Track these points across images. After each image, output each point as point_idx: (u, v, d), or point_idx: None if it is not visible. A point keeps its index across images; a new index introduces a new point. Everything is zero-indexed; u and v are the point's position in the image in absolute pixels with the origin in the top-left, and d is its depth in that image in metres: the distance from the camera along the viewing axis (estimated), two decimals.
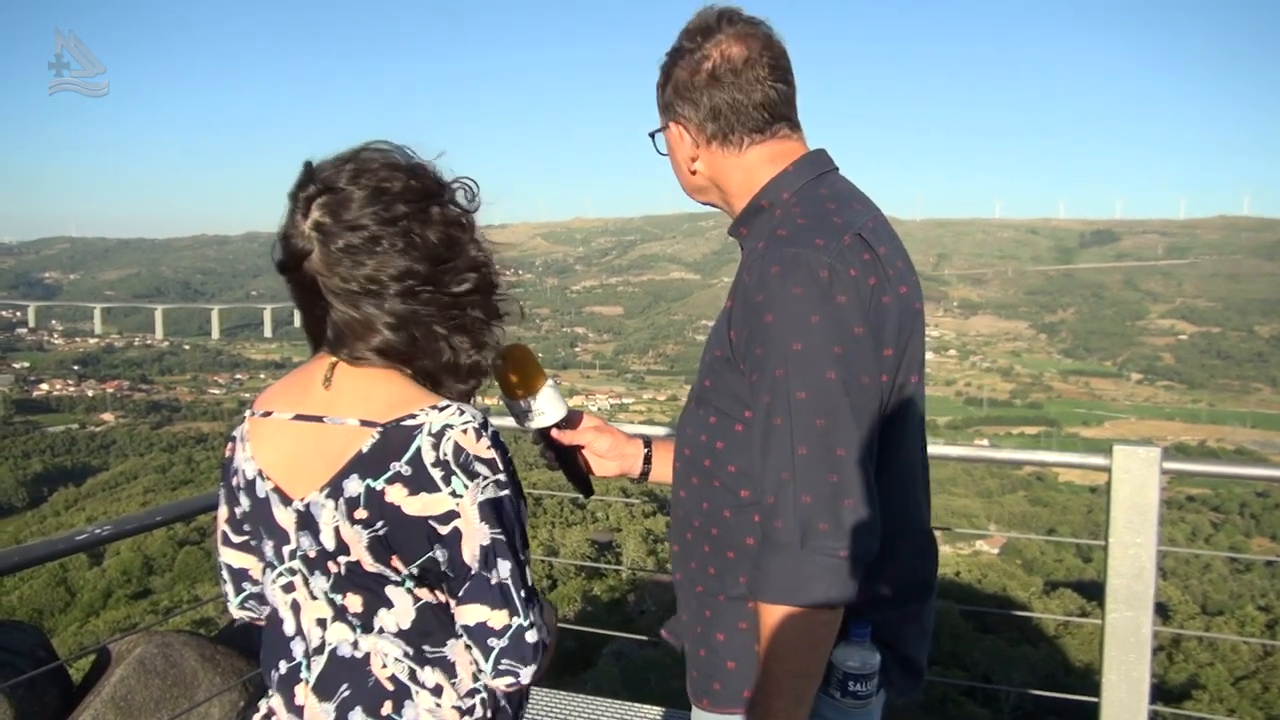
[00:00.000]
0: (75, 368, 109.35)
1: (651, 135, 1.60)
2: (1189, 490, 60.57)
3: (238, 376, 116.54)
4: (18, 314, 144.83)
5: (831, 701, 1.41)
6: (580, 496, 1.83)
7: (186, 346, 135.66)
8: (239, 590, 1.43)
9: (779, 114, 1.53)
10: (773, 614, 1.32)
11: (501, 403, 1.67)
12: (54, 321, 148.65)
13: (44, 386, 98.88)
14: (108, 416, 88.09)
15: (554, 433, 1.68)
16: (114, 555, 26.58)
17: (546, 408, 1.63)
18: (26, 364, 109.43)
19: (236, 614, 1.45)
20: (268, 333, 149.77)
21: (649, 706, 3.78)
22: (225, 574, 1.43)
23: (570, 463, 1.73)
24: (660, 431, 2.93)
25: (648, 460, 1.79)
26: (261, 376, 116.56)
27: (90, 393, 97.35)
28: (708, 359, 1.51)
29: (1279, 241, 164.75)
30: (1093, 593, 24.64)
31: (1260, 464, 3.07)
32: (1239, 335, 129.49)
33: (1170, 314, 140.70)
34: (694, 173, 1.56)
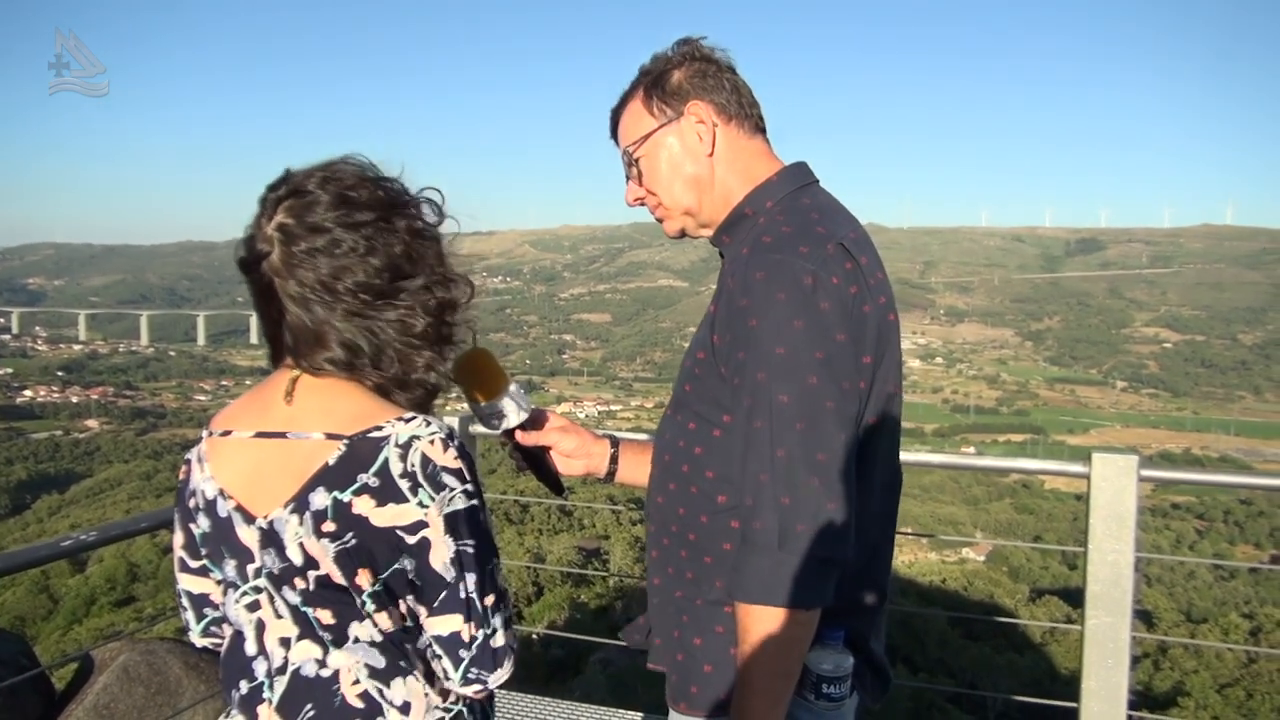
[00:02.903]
0: (59, 374, 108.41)
1: (639, 141, 1.56)
2: (1173, 498, 60.85)
3: (223, 383, 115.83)
4: (1, 320, 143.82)
5: (806, 704, 1.43)
6: (566, 503, 1.85)
7: (172, 353, 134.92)
8: (200, 617, 1.40)
9: (764, 125, 1.60)
10: (750, 615, 1.33)
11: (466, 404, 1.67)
12: (38, 328, 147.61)
13: (28, 393, 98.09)
14: (92, 423, 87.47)
15: (519, 434, 1.69)
16: (97, 562, 26.31)
17: (510, 409, 1.64)
18: (10, 370, 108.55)
19: (200, 642, 1.41)
20: (254, 339, 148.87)
21: (635, 713, 3.78)
22: (185, 601, 1.40)
23: (538, 463, 1.74)
24: (641, 437, 2.93)
25: (614, 460, 1.80)
26: (247, 383, 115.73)
27: (75, 399, 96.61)
28: (688, 364, 1.53)
29: (1262, 250, 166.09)
30: (1078, 600, 24.62)
31: (1238, 472, 3.09)
32: (1223, 343, 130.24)
33: (1155, 322, 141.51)
34: (710, 155, 1.53)
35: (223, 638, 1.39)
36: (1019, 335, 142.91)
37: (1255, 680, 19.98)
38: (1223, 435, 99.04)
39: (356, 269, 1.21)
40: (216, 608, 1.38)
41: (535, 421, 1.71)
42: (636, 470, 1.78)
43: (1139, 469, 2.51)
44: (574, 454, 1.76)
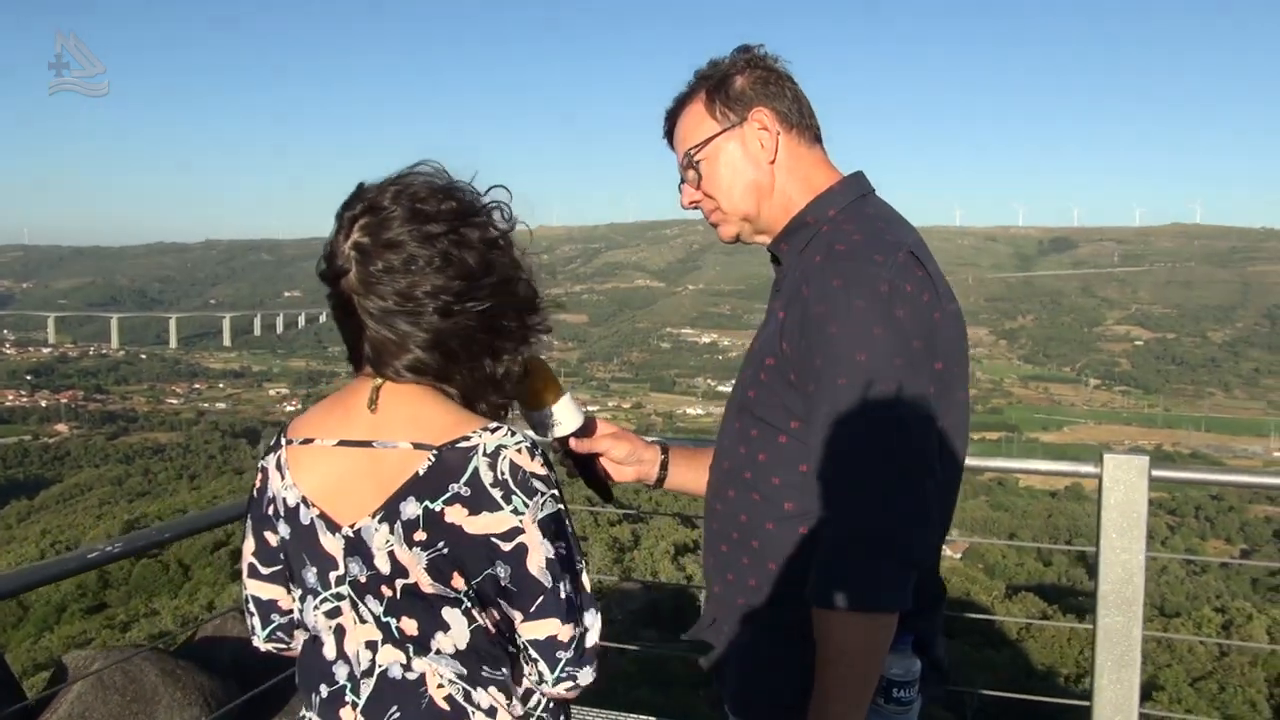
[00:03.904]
0: (28, 378, 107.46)
1: (701, 145, 1.56)
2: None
3: (196, 386, 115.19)
4: None
5: (876, 708, 1.43)
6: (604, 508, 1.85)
7: (143, 356, 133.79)
8: (266, 622, 1.41)
9: (821, 135, 1.62)
10: (833, 620, 1.33)
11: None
12: (6, 331, 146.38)
13: None
14: (62, 427, 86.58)
15: (572, 441, 1.71)
16: None
17: (564, 417, 1.66)
18: None
19: (264, 646, 1.43)
20: (226, 341, 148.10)
21: (616, 713, 3.78)
22: (252, 606, 1.41)
23: (589, 470, 1.77)
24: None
25: (664, 466, 1.80)
26: (220, 386, 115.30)
27: (44, 403, 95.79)
28: (750, 371, 1.54)
29: (1231, 249, 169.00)
30: (1053, 596, 25.02)
31: (1242, 471, 3.16)
32: (1193, 341, 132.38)
33: (1126, 320, 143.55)
34: (772, 162, 1.54)
35: (287, 643, 1.41)
36: (993, 334, 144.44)
37: (1228, 673, 20.26)
38: (1193, 431, 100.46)
39: (433, 281, 1.23)
40: (284, 613, 1.40)
41: (586, 429, 1.72)
42: (688, 476, 1.79)
43: (1150, 469, 2.56)
44: (625, 461, 1.77)
